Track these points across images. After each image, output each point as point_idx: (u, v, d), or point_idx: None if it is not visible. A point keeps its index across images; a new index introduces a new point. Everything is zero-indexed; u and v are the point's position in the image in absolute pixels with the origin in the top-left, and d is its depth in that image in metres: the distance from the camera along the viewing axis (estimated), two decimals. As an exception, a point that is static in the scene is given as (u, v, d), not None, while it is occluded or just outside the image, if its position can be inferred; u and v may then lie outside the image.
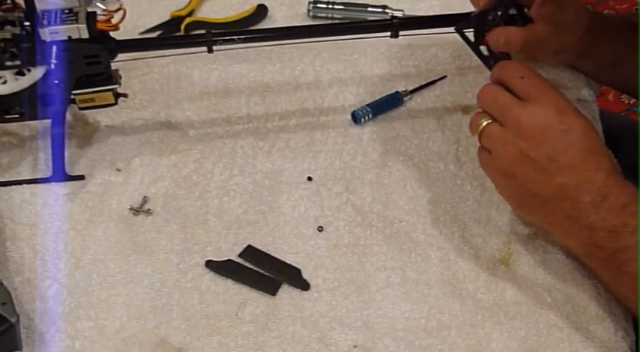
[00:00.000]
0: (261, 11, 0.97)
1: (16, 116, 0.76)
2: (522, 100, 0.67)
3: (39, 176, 0.78)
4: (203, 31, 0.77)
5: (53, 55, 0.71)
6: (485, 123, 0.68)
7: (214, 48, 0.76)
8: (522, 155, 0.66)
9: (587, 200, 0.64)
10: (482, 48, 0.79)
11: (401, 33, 0.78)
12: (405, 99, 0.86)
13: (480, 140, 0.69)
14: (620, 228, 0.63)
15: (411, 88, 0.87)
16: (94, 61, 0.73)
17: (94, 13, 0.72)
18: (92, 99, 0.77)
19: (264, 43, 0.80)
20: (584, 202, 0.64)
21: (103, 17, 0.72)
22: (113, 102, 0.77)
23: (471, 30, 0.78)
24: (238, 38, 0.76)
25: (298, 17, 0.97)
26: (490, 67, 0.76)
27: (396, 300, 0.70)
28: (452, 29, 0.77)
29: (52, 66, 0.72)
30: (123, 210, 0.76)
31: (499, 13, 0.77)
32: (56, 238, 0.74)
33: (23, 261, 0.72)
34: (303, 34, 0.79)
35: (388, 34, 0.78)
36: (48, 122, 0.77)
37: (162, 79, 0.88)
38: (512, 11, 0.78)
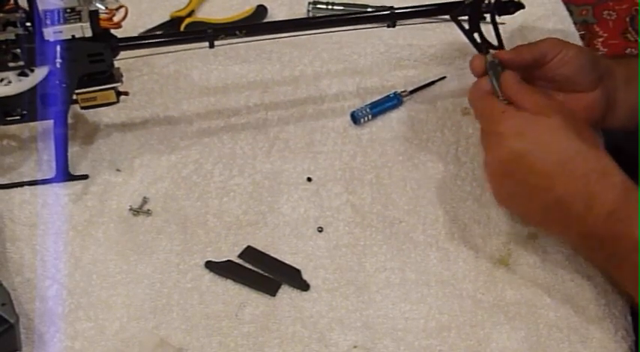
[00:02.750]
0: (260, 12, 0.97)
1: (17, 118, 0.76)
2: (508, 111, 0.69)
3: (41, 177, 0.78)
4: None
5: (57, 54, 0.71)
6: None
7: (216, 43, 0.76)
8: (507, 172, 0.68)
9: (574, 211, 0.65)
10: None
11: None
12: (404, 99, 0.86)
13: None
14: (609, 236, 0.64)
15: (410, 88, 0.87)
16: (98, 59, 0.73)
17: (97, 11, 0.71)
18: (94, 98, 0.77)
19: (265, 37, 0.79)
20: (571, 214, 0.65)
21: (105, 15, 0.72)
22: (115, 100, 0.77)
23: (466, 17, 0.78)
24: (240, 32, 0.76)
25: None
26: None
27: (396, 301, 0.70)
28: (447, 17, 0.78)
29: (56, 65, 0.72)
30: (123, 210, 0.76)
31: (492, 0, 0.77)
32: (56, 238, 0.74)
33: (23, 261, 0.72)
34: (304, 27, 0.79)
35: (386, 26, 0.79)
36: (48, 123, 0.77)
37: (162, 79, 0.89)
38: None
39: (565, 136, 0.66)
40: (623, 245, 0.63)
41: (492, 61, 0.73)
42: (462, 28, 0.78)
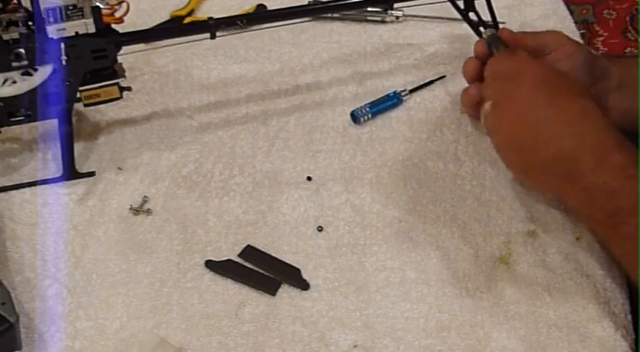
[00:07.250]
0: (260, 11, 0.97)
1: (22, 118, 0.76)
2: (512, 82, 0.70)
3: (43, 176, 0.78)
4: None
5: (61, 51, 0.71)
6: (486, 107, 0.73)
7: (218, 37, 0.76)
8: (520, 123, 0.69)
9: (585, 163, 0.66)
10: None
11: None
12: (404, 98, 0.86)
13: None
14: (617, 190, 0.64)
15: (410, 87, 0.87)
16: (101, 55, 0.73)
17: (98, 7, 0.71)
18: (98, 95, 0.76)
19: (267, 26, 0.80)
20: (581, 165, 0.66)
21: (107, 11, 0.72)
22: (118, 96, 0.77)
23: None
24: (241, 22, 0.76)
25: (298, 17, 0.97)
26: (479, 34, 0.79)
27: (396, 300, 0.70)
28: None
29: (60, 63, 0.71)
30: (123, 209, 0.76)
31: None
32: (56, 238, 0.74)
33: (23, 260, 0.72)
34: (306, 13, 0.79)
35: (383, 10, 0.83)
36: (48, 123, 0.77)
37: (162, 78, 0.89)
38: None
39: (583, 98, 0.68)
40: (627, 203, 0.64)
41: (493, 34, 0.74)
42: (457, 8, 0.78)
